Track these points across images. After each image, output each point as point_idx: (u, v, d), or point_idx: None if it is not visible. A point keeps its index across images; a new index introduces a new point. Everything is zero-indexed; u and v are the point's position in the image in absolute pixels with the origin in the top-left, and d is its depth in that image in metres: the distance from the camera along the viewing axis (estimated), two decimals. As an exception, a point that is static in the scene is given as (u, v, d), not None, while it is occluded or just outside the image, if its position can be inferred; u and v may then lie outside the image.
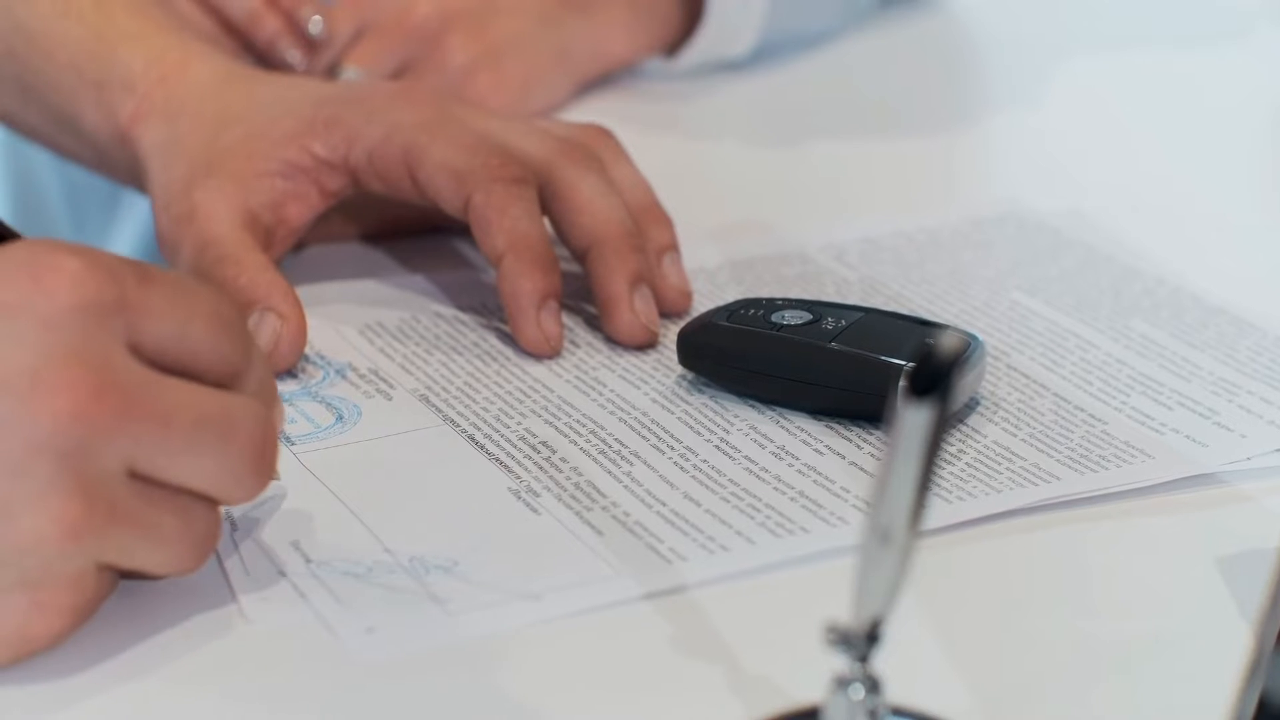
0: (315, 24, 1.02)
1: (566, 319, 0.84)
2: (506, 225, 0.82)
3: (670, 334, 0.82)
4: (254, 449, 0.62)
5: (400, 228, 0.93)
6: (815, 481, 0.72)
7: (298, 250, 0.91)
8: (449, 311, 0.86)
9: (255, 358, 0.64)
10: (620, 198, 0.84)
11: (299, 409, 0.78)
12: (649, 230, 0.85)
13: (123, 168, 0.90)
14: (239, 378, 0.63)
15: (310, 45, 1.02)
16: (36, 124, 0.93)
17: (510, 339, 0.83)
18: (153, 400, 0.60)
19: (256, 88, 0.88)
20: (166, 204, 0.85)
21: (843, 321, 0.77)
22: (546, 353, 0.82)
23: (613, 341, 0.83)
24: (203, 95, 0.88)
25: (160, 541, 0.61)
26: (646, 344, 0.82)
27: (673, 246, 0.86)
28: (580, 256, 0.84)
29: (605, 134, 0.88)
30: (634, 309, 0.82)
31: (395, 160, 0.84)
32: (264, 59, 1.02)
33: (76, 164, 0.95)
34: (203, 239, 0.83)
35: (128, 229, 1.19)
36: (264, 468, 0.62)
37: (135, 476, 0.60)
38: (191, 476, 0.61)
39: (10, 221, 1.22)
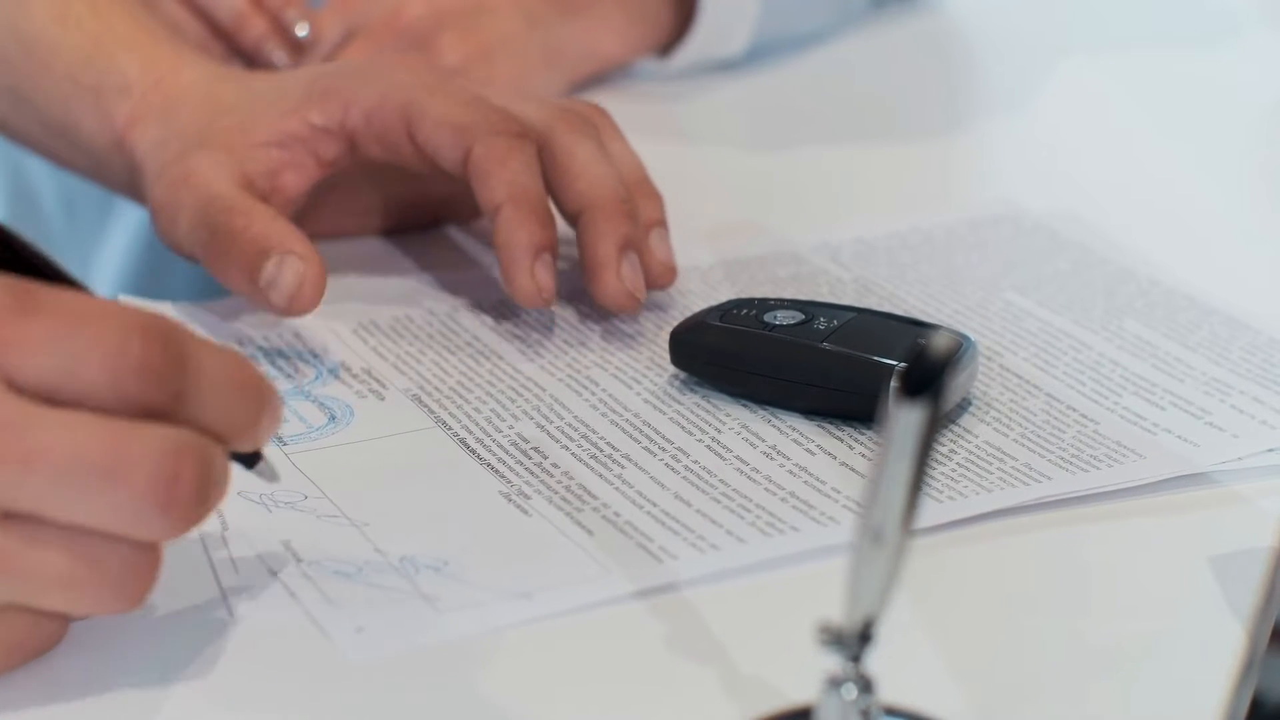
0: (301, 28, 1.02)
1: (558, 319, 0.84)
2: (506, 177, 0.82)
3: (662, 334, 0.82)
4: (155, 486, 0.56)
5: (403, 220, 0.92)
6: (806, 482, 0.72)
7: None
8: (442, 310, 0.86)
9: (194, 390, 0.58)
10: (615, 167, 0.85)
11: (291, 409, 0.78)
12: (639, 204, 0.85)
13: (119, 175, 0.90)
14: (166, 414, 0.57)
15: (297, 47, 1.02)
16: (30, 131, 0.93)
17: (504, 337, 0.83)
18: (16, 439, 0.56)
19: (251, 82, 0.89)
20: (160, 173, 0.84)
21: (835, 322, 0.77)
22: (538, 303, 0.82)
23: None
24: (197, 91, 0.88)
25: (58, 584, 0.57)
26: (629, 310, 0.83)
27: (661, 222, 0.86)
28: (572, 220, 0.84)
29: (601, 110, 0.88)
30: (620, 274, 0.82)
31: (393, 119, 0.84)
32: (250, 61, 1.02)
33: (71, 172, 0.94)
34: (204, 197, 0.82)
35: (122, 233, 1.19)
36: (173, 505, 0.57)
37: (13, 517, 0.57)
38: (78, 515, 0.57)
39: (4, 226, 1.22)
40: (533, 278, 0.81)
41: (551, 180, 0.84)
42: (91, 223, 1.20)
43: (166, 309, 0.86)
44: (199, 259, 0.83)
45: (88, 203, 1.25)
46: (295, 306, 0.80)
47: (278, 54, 1.02)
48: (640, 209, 0.85)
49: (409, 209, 0.91)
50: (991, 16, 1.31)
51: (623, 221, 0.83)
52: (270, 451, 0.65)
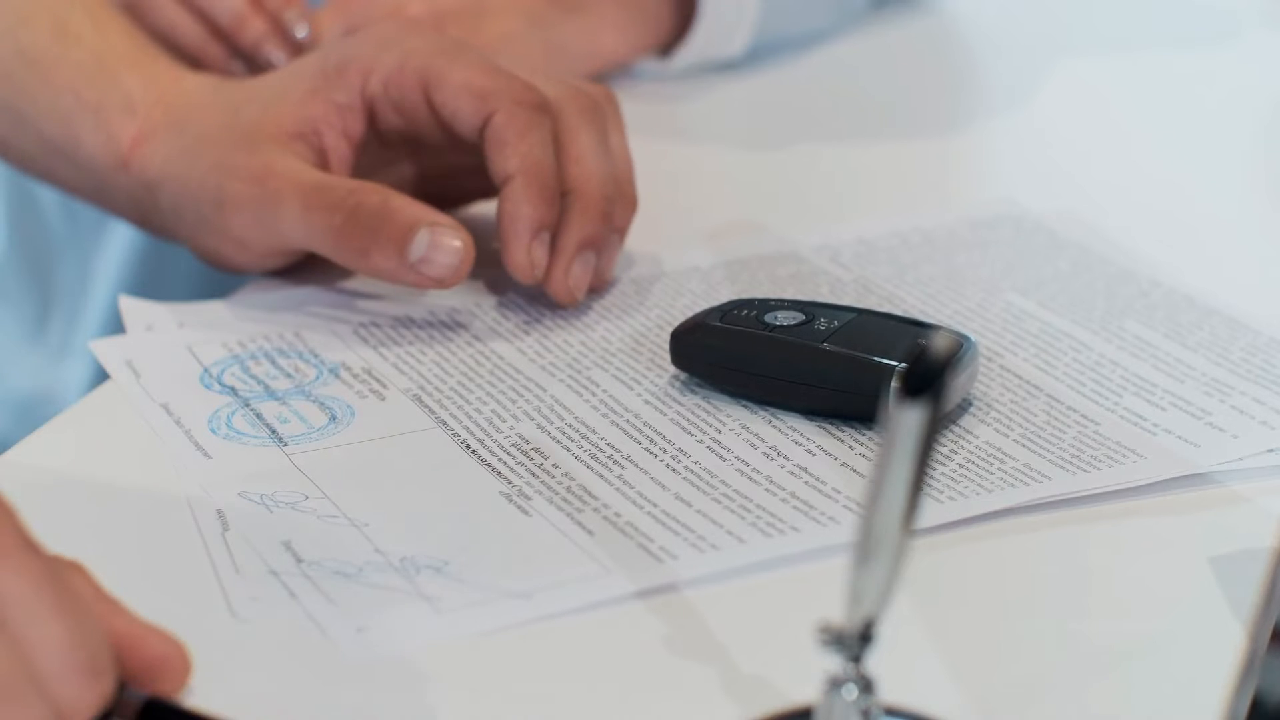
0: (301, 28, 1.02)
1: (559, 318, 0.84)
2: (523, 149, 0.83)
3: (663, 334, 0.82)
4: None
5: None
6: (807, 482, 0.72)
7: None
8: (443, 310, 0.86)
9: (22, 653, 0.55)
10: (611, 161, 0.85)
11: (292, 409, 0.78)
12: (614, 205, 0.86)
13: (122, 195, 0.89)
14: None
15: (296, 48, 1.02)
16: (29, 150, 0.92)
17: (505, 338, 0.83)
18: None
19: (254, 81, 0.89)
20: (232, 172, 0.85)
21: (835, 322, 0.77)
22: (529, 279, 0.83)
23: (607, 345, 0.83)
24: (203, 98, 0.88)
25: None
26: (564, 305, 0.85)
27: (623, 230, 0.87)
28: None
29: (612, 97, 0.89)
30: (569, 271, 0.84)
31: (411, 85, 0.85)
32: (250, 62, 1.02)
33: (70, 194, 0.94)
34: (307, 183, 0.84)
35: (122, 235, 1.19)
36: None
37: None
38: None
39: (5, 227, 1.22)
40: (529, 253, 0.83)
41: None
42: (91, 224, 1.20)
43: (166, 309, 0.86)
44: (316, 244, 0.84)
45: (88, 205, 1.25)
46: (453, 279, 0.82)
47: (277, 55, 1.02)
48: (613, 211, 0.86)
49: (419, 190, 0.91)
50: (991, 16, 1.31)
51: (595, 220, 0.84)
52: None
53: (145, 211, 0.89)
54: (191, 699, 0.61)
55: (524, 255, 0.83)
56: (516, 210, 0.83)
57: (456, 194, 0.92)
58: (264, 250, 0.86)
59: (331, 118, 0.85)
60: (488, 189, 0.87)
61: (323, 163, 0.85)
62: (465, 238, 0.82)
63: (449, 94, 0.84)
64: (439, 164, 0.90)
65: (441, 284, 0.83)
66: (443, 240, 0.82)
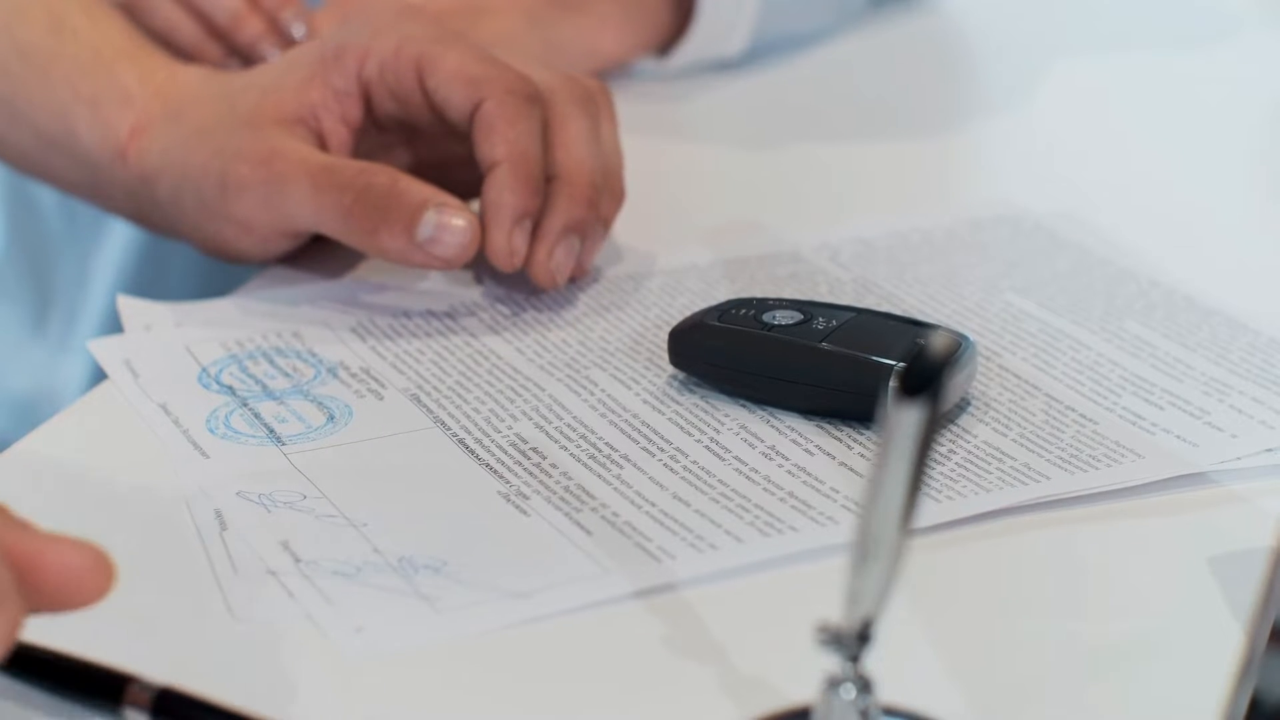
0: (298, 28, 1.02)
1: (558, 318, 0.84)
2: (511, 136, 0.84)
3: (661, 333, 0.82)
4: None
5: None
6: (805, 482, 0.72)
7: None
8: (441, 310, 0.86)
9: None
10: (600, 151, 0.86)
11: (290, 408, 0.78)
12: (601, 194, 0.86)
13: (119, 190, 0.89)
14: None
15: (293, 48, 1.02)
16: (25, 146, 0.92)
17: (503, 337, 0.83)
18: None
19: (251, 70, 0.90)
20: (236, 155, 0.85)
21: (834, 322, 0.77)
22: (508, 267, 0.84)
23: (606, 341, 0.83)
24: (200, 89, 0.88)
25: None
26: (546, 288, 0.85)
27: (608, 221, 0.87)
28: None
29: (605, 90, 0.89)
30: (551, 253, 0.84)
31: (406, 70, 0.86)
32: (247, 62, 1.02)
33: (66, 191, 0.94)
34: (314, 165, 0.84)
35: (120, 234, 1.19)
36: None
37: None
38: None
39: (4, 225, 1.22)
40: (509, 240, 0.83)
41: None
42: (90, 223, 1.20)
43: (164, 309, 0.86)
44: (325, 224, 0.84)
45: (86, 204, 1.25)
46: (459, 259, 0.83)
47: (273, 54, 1.02)
48: (600, 201, 0.86)
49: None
50: (991, 16, 1.31)
51: (581, 205, 0.85)
52: None
53: (142, 205, 0.89)
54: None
55: (504, 242, 0.83)
56: (499, 197, 0.83)
57: (450, 186, 0.92)
58: (269, 233, 0.86)
59: (330, 103, 0.86)
60: (480, 183, 0.87)
61: (322, 147, 0.86)
62: (472, 218, 0.83)
63: (441, 79, 0.85)
64: (434, 153, 0.90)
65: (449, 264, 0.83)
66: (450, 220, 0.82)
